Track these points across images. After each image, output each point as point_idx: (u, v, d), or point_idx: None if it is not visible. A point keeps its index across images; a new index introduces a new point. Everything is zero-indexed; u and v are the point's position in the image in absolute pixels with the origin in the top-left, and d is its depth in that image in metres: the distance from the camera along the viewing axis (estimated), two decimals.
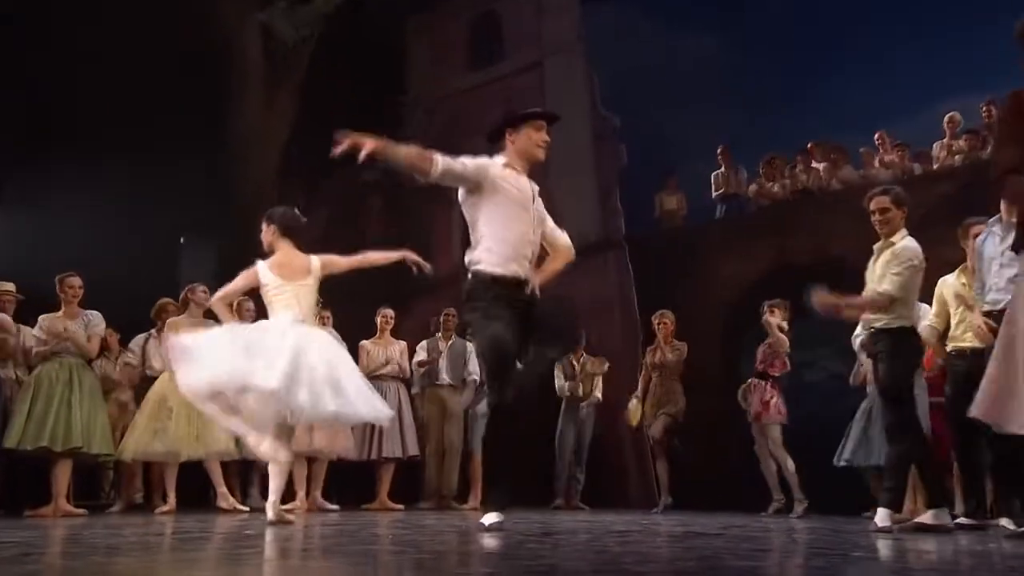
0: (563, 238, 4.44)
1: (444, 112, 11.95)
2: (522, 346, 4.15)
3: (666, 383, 7.86)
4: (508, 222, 4.17)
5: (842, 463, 6.99)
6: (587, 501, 8.31)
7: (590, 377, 8.35)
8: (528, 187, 4.29)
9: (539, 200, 4.35)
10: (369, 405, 4.65)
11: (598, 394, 8.35)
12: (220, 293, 5.02)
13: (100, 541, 3.79)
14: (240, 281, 4.92)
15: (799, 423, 7.94)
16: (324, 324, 6.94)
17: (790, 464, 7.22)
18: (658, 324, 7.98)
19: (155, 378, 6.90)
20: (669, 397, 7.83)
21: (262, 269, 4.85)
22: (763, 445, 7.42)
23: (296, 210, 5.11)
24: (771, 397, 7.40)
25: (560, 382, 8.34)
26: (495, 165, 4.26)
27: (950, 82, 9.94)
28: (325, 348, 4.68)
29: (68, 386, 6.23)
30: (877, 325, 4.86)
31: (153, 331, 7.25)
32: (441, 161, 4.14)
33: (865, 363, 7.09)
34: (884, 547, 3.81)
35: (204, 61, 10.28)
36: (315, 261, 4.92)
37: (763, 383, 7.44)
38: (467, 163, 4.21)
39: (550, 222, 4.41)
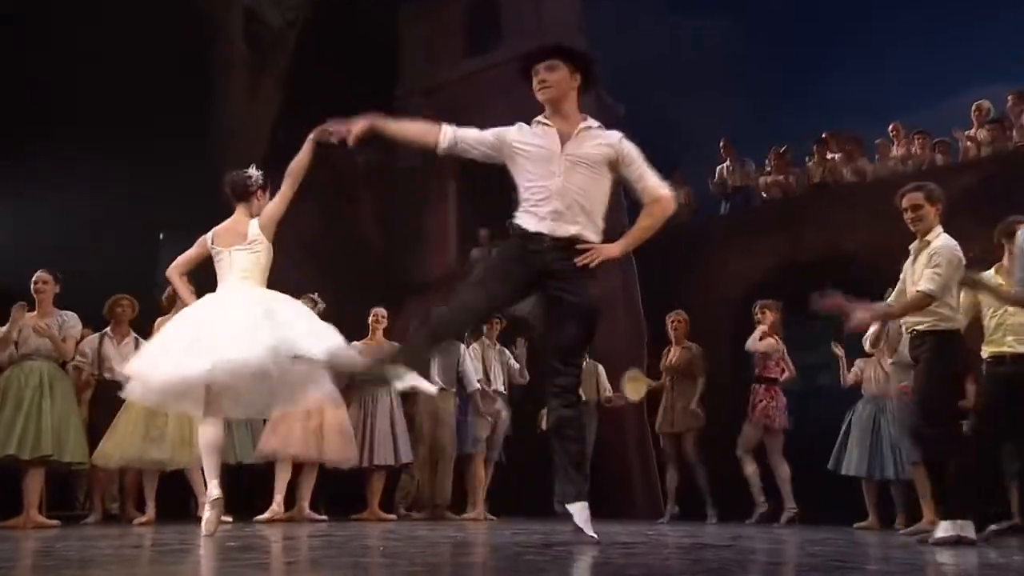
0: (651, 184, 3.96)
1: (439, 102, 11.92)
2: (516, 302, 4.03)
3: (681, 387, 7.84)
4: (528, 176, 3.96)
5: (850, 473, 7.02)
6: (590, 509, 8.25)
7: (591, 377, 8.27)
8: (553, 137, 3.96)
9: (585, 145, 3.94)
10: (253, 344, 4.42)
11: (608, 394, 8.28)
12: (175, 263, 5.03)
13: (74, 554, 3.75)
14: (193, 250, 4.96)
15: (812, 427, 7.95)
16: None
17: (748, 468, 7.43)
18: (672, 324, 7.95)
19: (115, 381, 6.82)
20: (688, 403, 7.82)
21: (208, 237, 4.90)
22: (770, 450, 7.47)
23: (248, 171, 5.04)
24: (762, 400, 7.44)
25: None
26: (515, 129, 4.06)
27: (951, 77, 9.97)
28: (241, 309, 4.59)
29: (39, 390, 6.14)
30: (920, 328, 4.77)
31: (108, 330, 7.09)
32: (450, 131, 4.01)
33: (868, 364, 7.12)
34: (900, 558, 3.78)
35: (187, 49, 10.25)
36: (253, 223, 4.87)
37: (759, 387, 7.50)
38: (486, 132, 4.06)
39: (636, 169, 3.96)
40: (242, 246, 4.80)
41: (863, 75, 10.55)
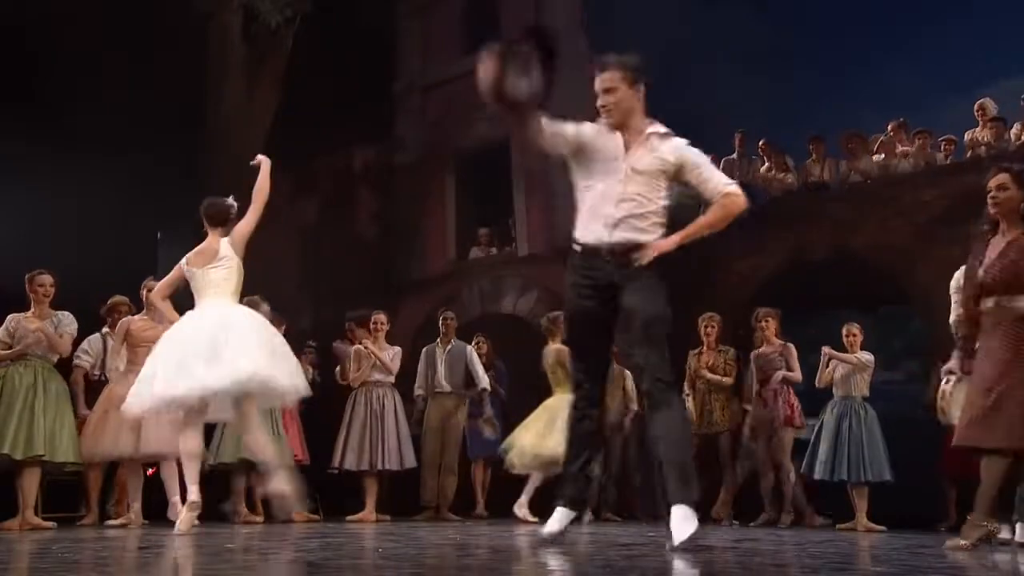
0: (719, 183, 3.87)
1: (438, 98, 11.92)
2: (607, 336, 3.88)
3: (716, 389, 7.86)
4: (589, 182, 3.95)
5: (817, 477, 7.06)
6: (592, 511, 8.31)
7: (617, 385, 8.12)
8: (619, 142, 3.96)
9: (646, 158, 3.90)
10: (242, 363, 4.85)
11: (634, 406, 8.08)
12: (157, 287, 5.63)
13: (70, 555, 3.76)
14: (172, 274, 5.45)
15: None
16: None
17: (793, 475, 7.38)
18: (704, 328, 7.91)
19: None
20: (723, 404, 7.85)
21: (183, 261, 5.34)
22: (772, 452, 7.46)
23: (227, 200, 5.44)
24: (792, 400, 7.51)
25: None
26: (590, 127, 4.05)
27: (972, 72, 9.87)
28: (208, 326, 5.04)
29: (32, 390, 6.13)
30: None
31: (106, 330, 7.07)
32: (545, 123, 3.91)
33: (840, 367, 7.14)
34: (905, 562, 3.79)
35: (185, 47, 10.26)
36: (224, 242, 5.29)
37: (784, 387, 7.53)
38: (567, 124, 4.01)
39: (699, 173, 3.88)
40: (213, 264, 5.24)
41: (881, 70, 10.43)
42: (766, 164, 9.83)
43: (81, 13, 9.19)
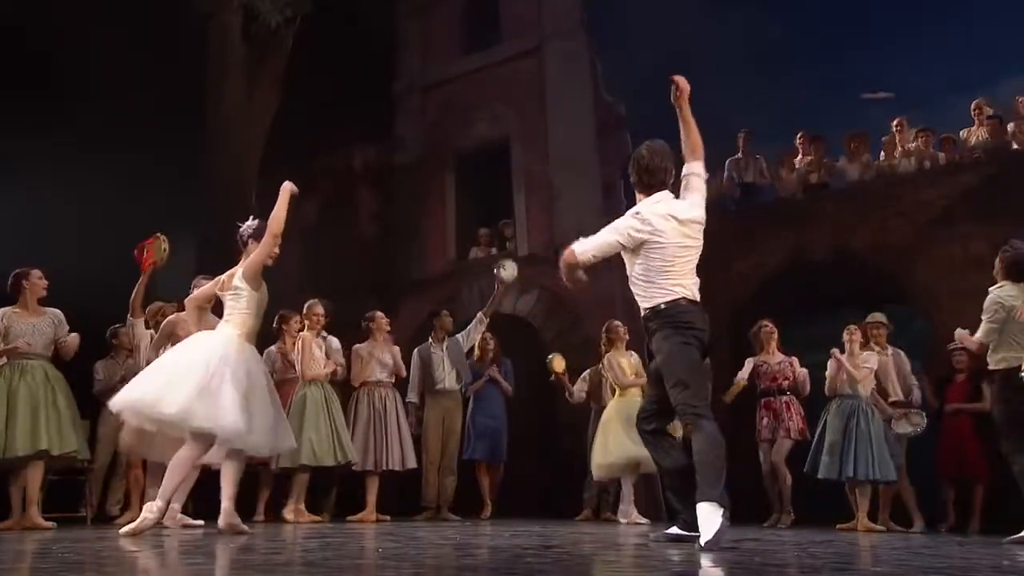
0: None
1: (438, 98, 11.92)
2: None
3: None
4: None
5: (821, 476, 7.08)
6: (591, 511, 8.32)
7: (605, 382, 8.18)
8: None
9: None
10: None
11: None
12: (192, 296, 5.52)
13: (71, 556, 3.76)
14: (207, 288, 5.37)
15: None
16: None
17: (789, 478, 7.48)
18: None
19: None
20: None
21: (221, 278, 5.22)
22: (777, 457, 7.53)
23: (244, 224, 5.30)
24: (799, 413, 7.60)
25: (581, 389, 8.32)
26: None
27: (980, 70, 9.85)
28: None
29: (33, 388, 6.10)
30: None
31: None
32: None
33: (849, 370, 7.14)
34: (905, 562, 3.79)
35: (181, 45, 10.26)
36: (239, 273, 5.14)
37: (794, 399, 7.61)
38: None
39: None
40: (230, 291, 5.10)
41: (881, 70, 10.39)
42: (803, 157, 9.79)
43: (81, 13, 9.19)
